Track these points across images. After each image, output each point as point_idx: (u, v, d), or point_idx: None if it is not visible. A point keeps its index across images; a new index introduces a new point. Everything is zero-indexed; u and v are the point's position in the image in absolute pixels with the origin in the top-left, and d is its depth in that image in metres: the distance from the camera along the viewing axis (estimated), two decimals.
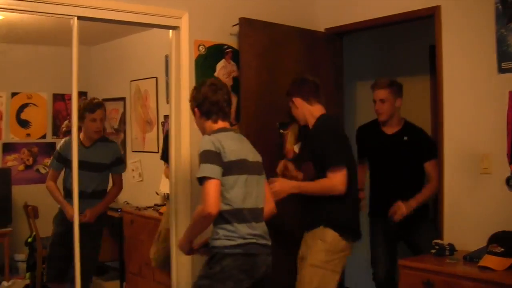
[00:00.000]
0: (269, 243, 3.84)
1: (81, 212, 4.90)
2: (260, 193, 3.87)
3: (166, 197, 6.00)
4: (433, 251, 4.44)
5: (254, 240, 3.71)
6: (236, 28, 5.16)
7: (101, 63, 8.18)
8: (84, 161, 5.02)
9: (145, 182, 7.73)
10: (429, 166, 4.94)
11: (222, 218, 3.65)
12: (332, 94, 5.60)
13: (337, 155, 4.25)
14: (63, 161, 5.41)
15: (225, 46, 5.19)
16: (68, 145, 5.06)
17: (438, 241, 4.51)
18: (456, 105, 4.71)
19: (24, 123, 7.85)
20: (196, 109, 3.95)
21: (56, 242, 5.48)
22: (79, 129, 5.10)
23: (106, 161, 5.58)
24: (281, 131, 4.87)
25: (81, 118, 5.25)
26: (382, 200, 5.05)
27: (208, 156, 3.62)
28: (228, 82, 5.14)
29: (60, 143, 5.61)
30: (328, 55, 5.61)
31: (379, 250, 5.16)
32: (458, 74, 4.71)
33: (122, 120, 7.90)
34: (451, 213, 4.75)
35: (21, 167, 7.70)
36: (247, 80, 5.06)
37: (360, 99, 6.66)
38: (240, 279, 3.64)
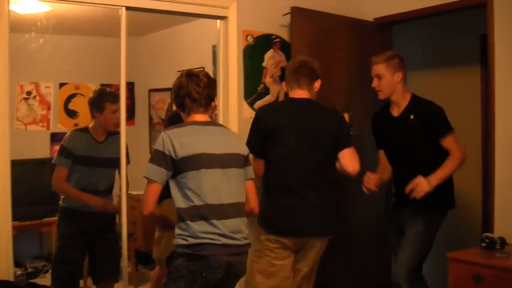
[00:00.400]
0: (239, 242, 3.61)
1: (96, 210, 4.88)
2: (233, 188, 3.65)
3: None
4: (483, 244, 4.36)
5: (207, 240, 3.49)
6: (285, 18, 5.13)
7: (148, 54, 8.20)
8: (98, 157, 4.91)
9: None
10: (445, 142, 4.45)
11: (179, 216, 3.54)
12: None
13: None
14: (72, 157, 4.87)
15: (273, 36, 5.16)
16: (76, 139, 4.90)
17: (488, 234, 4.43)
18: (509, 96, 4.60)
19: (72, 113, 7.91)
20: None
21: (67, 245, 4.91)
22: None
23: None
24: None
25: (98, 108, 4.92)
26: (399, 191, 4.69)
27: (156, 156, 3.54)
28: (276, 72, 5.13)
29: (66, 137, 5.00)
30: (378, 46, 5.53)
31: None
32: (510, 64, 4.61)
33: (169, 110, 7.89)
34: (502, 206, 4.65)
35: None
36: None
37: (409, 90, 6.58)
38: (191, 279, 3.50)
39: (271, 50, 5.15)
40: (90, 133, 4.95)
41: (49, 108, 7.81)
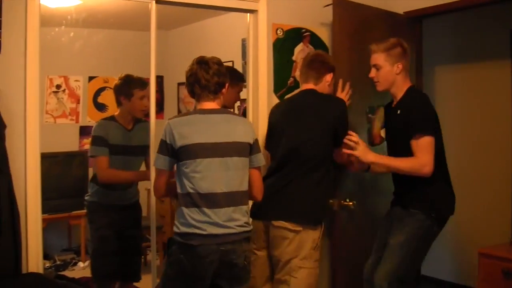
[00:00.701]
0: (233, 230, 3.61)
1: (129, 196, 4.95)
2: (230, 177, 3.65)
3: None
4: None
5: (196, 231, 3.55)
6: (316, 11, 5.11)
7: (177, 47, 8.20)
8: (129, 145, 4.84)
9: None
10: (414, 144, 4.01)
11: (178, 201, 3.67)
12: (411, 79, 5.46)
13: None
14: (108, 146, 4.72)
15: (303, 30, 5.12)
16: (108, 128, 4.78)
17: None
18: None
19: (101, 107, 7.94)
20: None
21: (104, 237, 4.81)
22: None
23: (147, 142, 4.85)
24: (370, 115, 4.75)
25: (126, 95, 4.83)
26: (395, 187, 4.44)
27: (160, 146, 3.69)
28: None
29: (96, 127, 4.83)
30: (409, 39, 5.45)
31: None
32: None
33: None
34: None
35: None
36: (340, 62, 4.84)
37: (438, 85, 6.51)
38: (183, 266, 3.58)
39: (301, 44, 5.12)
40: (118, 122, 4.87)
41: (78, 102, 7.85)
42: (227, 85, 3.83)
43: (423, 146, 3.95)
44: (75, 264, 7.16)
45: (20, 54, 3.95)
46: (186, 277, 3.60)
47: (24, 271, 3.90)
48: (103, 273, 4.85)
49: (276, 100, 4.92)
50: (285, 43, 5.02)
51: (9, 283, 3.69)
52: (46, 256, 6.31)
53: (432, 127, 4.02)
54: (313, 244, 4.19)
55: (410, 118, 4.06)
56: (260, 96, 4.85)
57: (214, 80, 3.71)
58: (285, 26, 5.01)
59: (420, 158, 3.94)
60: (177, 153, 3.61)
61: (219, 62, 3.79)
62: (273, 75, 4.96)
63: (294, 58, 5.06)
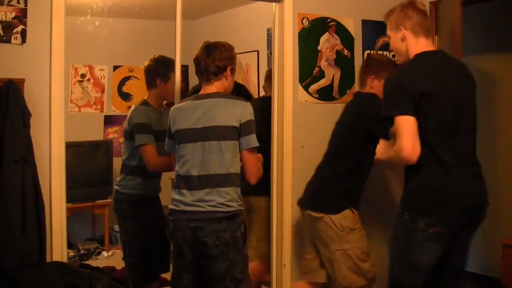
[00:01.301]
0: (202, 209, 3.70)
1: (156, 189, 4.79)
2: (209, 160, 3.74)
3: None
4: None
5: (173, 207, 3.82)
6: (341, 0, 5.09)
7: (203, 37, 8.12)
8: (162, 130, 4.44)
9: None
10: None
11: None
12: None
13: None
14: (152, 133, 4.53)
15: (329, 19, 5.08)
16: (149, 114, 4.57)
17: None
18: None
19: (125, 96, 7.96)
20: None
21: (151, 234, 4.67)
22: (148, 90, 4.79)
23: None
24: None
25: (163, 77, 4.67)
26: None
27: (167, 132, 3.97)
28: (332, 55, 5.05)
29: (136, 114, 4.61)
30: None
31: None
32: None
33: None
34: None
35: (122, 139, 7.79)
36: None
37: (479, 73, 6.41)
38: (176, 237, 3.81)
39: (327, 34, 5.08)
40: (152, 106, 4.69)
41: (103, 91, 7.87)
42: (228, 69, 3.87)
43: (396, 129, 3.42)
44: (99, 253, 7.18)
45: (46, 44, 3.96)
46: (173, 252, 3.90)
47: (48, 260, 3.92)
48: (149, 271, 4.74)
49: (302, 90, 4.90)
50: (310, 33, 4.98)
51: (33, 271, 3.70)
52: (70, 245, 6.34)
53: (396, 105, 3.42)
54: (340, 227, 4.23)
55: None
56: (286, 85, 4.82)
57: (215, 64, 3.81)
58: (310, 15, 4.97)
59: (396, 143, 3.42)
60: (173, 137, 3.88)
61: (222, 46, 3.88)
62: (299, 65, 4.92)
63: (319, 47, 5.02)
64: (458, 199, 3.43)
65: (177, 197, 3.81)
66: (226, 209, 3.72)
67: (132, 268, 4.76)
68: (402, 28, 3.61)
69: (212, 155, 3.74)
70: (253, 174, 3.83)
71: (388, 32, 3.77)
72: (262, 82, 7.20)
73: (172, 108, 3.91)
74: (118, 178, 4.79)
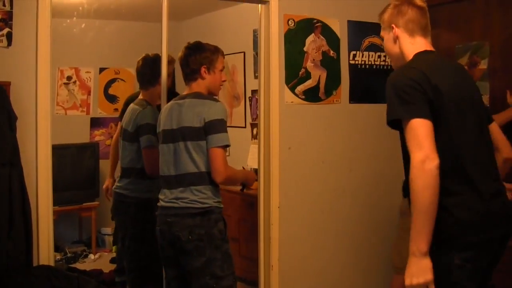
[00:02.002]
0: (175, 205, 3.84)
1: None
2: (180, 161, 3.85)
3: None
4: None
5: (158, 204, 3.97)
6: (327, 1, 5.09)
7: (189, 38, 8.09)
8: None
9: (231, 157, 7.71)
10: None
11: None
12: None
13: None
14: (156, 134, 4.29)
15: (315, 20, 5.08)
16: (156, 114, 4.35)
17: None
18: None
19: (112, 98, 7.95)
20: None
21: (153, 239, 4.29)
22: (143, 89, 4.78)
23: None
24: None
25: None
26: None
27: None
28: (317, 56, 5.06)
29: (144, 114, 4.54)
30: None
31: None
32: None
33: None
34: None
35: (109, 141, 7.76)
36: None
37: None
38: (157, 232, 3.97)
39: (312, 35, 5.08)
40: (152, 106, 4.65)
41: (89, 93, 7.86)
42: (202, 68, 3.95)
43: (412, 135, 2.70)
44: (86, 256, 7.17)
45: (31, 46, 3.94)
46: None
47: (35, 263, 3.90)
48: (155, 277, 4.57)
49: (288, 91, 4.91)
50: (296, 34, 4.98)
51: (20, 275, 3.68)
52: (57, 248, 6.32)
53: (410, 106, 2.73)
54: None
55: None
56: (272, 87, 4.82)
57: (189, 66, 3.98)
58: (296, 16, 4.98)
59: (414, 155, 2.66)
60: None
61: (197, 48, 4.01)
62: (285, 66, 4.92)
63: (305, 49, 5.02)
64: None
65: (160, 195, 3.97)
66: (199, 205, 3.80)
67: (137, 271, 4.71)
68: (394, 26, 3.03)
69: (182, 155, 3.85)
70: (219, 173, 3.80)
71: (381, 33, 3.17)
72: (248, 83, 7.23)
73: (164, 108, 4.06)
74: (122, 182, 4.76)
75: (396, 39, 3.04)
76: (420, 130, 2.66)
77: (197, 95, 3.92)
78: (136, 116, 4.59)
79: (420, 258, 2.61)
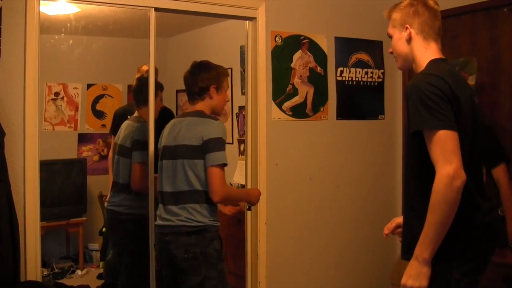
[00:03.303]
0: (172, 223, 3.83)
1: None
2: (176, 178, 3.85)
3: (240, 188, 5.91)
4: None
5: (155, 222, 4.00)
6: (314, 18, 5.15)
7: (176, 55, 8.19)
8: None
9: None
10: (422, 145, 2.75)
11: None
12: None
13: None
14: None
15: (302, 37, 5.12)
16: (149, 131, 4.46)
17: None
18: None
19: (99, 114, 7.93)
20: None
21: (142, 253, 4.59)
22: (139, 107, 4.85)
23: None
24: None
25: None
26: None
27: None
28: (305, 73, 5.09)
29: (139, 130, 4.64)
30: None
31: None
32: None
33: None
34: None
35: (96, 157, 7.76)
36: None
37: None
38: (156, 250, 4.08)
39: (300, 51, 5.11)
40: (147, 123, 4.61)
41: (76, 109, 7.83)
42: (211, 88, 3.95)
43: (438, 148, 2.61)
44: (73, 272, 7.12)
45: (20, 62, 3.95)
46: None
47: (22, 279, 3.89)
48: None
49: (275, 108, 4.93)
50: (283, 50, 5.02)
51: None
52: (44, 264, 6.29)
53: (437, 116, 2.62)
54: None
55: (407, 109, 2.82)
56: (260, 103, 4.85)
57: (197, 85, 3.95)
58: (283, 33, 5.01)
59: (440, 168, 2.59)
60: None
61: (206, 67, 4.01)
62: (272, 82, 4.95)
63: (292, 65, 5.05)
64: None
65: (158, 211, 3.98)
66: (194, 223, 3.78)
67: (137, 287, 4.71)
68: (408, 27, 2.92)
69: (179, 173, 3.85)
70: (215, 192, 3.77)
71: (390, 30, 3.03)
72: (235, 99, 7.25)
73: (167, 125, 4.06)
74: (116, 197, 4.79)
75: (409, 40, 2.93)
76: (450, 143, 2.59)
77: (198, 114, 3.93)
78: (134, 133, 4.65)
79: (421, 264, 2.65)
